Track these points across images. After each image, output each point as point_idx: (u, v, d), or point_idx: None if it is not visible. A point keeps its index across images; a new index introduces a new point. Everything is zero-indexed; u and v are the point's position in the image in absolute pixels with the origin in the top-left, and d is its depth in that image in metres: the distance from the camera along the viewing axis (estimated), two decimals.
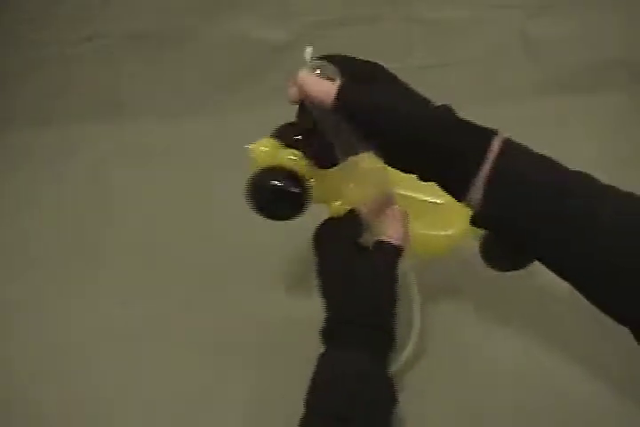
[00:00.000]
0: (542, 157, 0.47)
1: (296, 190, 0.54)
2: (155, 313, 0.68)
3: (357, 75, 0.49)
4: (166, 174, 0.87)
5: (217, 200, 0.79)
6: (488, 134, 0.46)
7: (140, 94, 0.95)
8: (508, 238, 0.48)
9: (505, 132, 0.47)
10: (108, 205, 0.84)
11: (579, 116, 0.90)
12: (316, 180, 0.57)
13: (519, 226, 0.46)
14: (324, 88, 0.48)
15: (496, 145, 0.45)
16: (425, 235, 0.60)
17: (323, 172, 0.57)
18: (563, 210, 0.44)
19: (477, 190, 0.46)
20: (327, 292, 0.53)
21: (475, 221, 0.47)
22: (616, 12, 0.89)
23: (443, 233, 0.61)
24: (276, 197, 0.55)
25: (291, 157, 0.56)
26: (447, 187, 0.48)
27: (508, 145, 0.46)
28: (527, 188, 0.44)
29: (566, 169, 0.46)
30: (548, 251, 0.46)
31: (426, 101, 0.48)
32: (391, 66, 0.93)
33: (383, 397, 0.50)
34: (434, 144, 0.46)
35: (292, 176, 0.55)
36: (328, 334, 0.52)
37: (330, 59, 0.51)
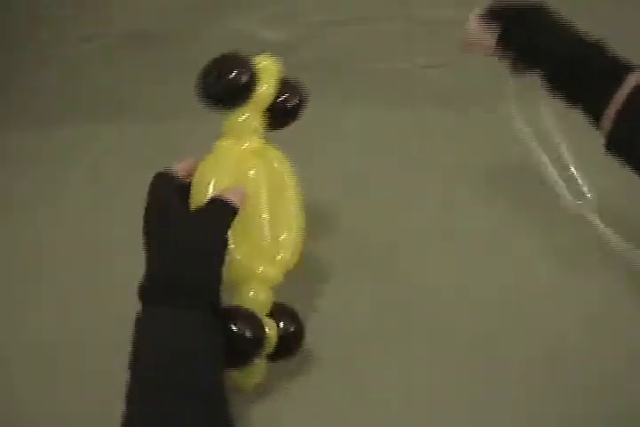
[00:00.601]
0: None
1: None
2: None
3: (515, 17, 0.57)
4: None
5: None
6: (629, 68, 0.52)
7: (140, 94, 0.95)
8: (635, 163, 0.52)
9: None
10: (108, 205, 0.84)
11: (578, 116, 0.90)
12: None
13: None
14: (485, 39, 0.57)
15: (634, 79, 0.51)
16: (239, 262, 0.56)
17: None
18: None
19: (611, 112, 0.51)
20: (150, 248, 0.51)
21: (608, 144, 0.53)
22: (616, 12, 0.89)
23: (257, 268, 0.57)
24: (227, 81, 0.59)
25: None
26: (588, 108, 0.54)
27: None
28: None
29: None
30: None
31: (576, 35, 0.56)
32: (391, 66, 0.94)
33: (208, 356, 0.48)
34: (581, 73, 0.53)
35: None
36: (147, 292, 0.50)
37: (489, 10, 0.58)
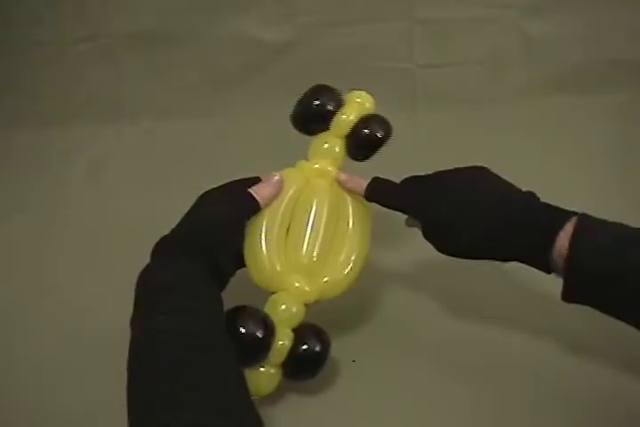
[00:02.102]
0: (623, 230, 0.48)
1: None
2: None
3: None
4: (166, 174, 0.87)
5: None
6: (562, 219, 0.49)
7: (140, 94, 0.95)
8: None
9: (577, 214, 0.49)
10: (108, 205, 0.84)
11: (578, 117, 0.90)
12: None
13: (602, 304, 0.49)
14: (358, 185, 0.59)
15: (569, 229, 0.48)
16: (277, 272, 0.58)
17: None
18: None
19: (557, 270, 0.49)
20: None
21: (563, 297, 0.49)
22: (616, 12, 0.89)
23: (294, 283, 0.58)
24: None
25: None
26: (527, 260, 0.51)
27: (582, 227, 0.47)
28: (602, 275, 0.46)
29: None
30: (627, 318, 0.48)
31: (503, 190, 0.55)
32: (391, 66, 0.94)
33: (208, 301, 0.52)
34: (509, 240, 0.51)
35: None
36: (160, 246, 0.56)
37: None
